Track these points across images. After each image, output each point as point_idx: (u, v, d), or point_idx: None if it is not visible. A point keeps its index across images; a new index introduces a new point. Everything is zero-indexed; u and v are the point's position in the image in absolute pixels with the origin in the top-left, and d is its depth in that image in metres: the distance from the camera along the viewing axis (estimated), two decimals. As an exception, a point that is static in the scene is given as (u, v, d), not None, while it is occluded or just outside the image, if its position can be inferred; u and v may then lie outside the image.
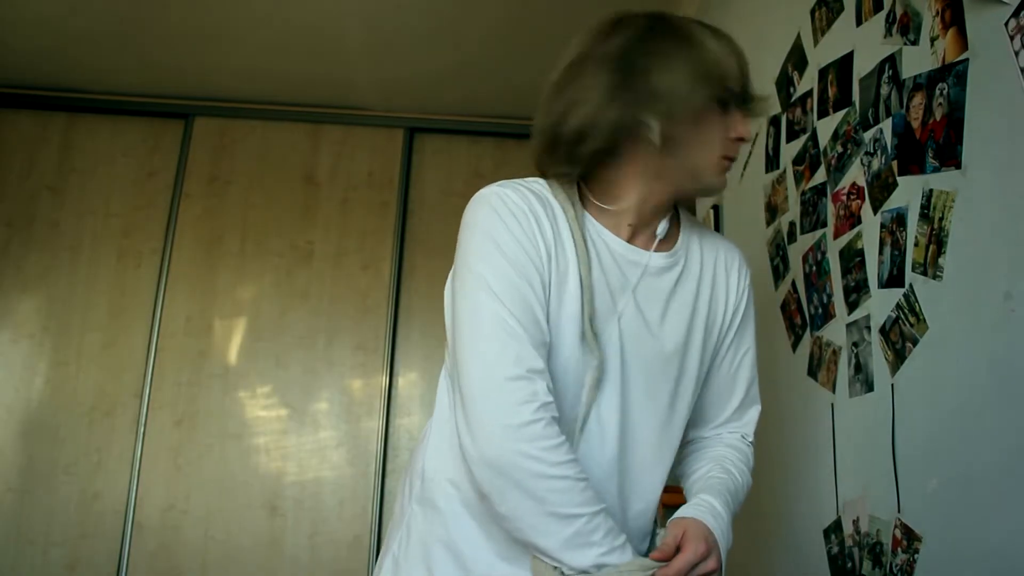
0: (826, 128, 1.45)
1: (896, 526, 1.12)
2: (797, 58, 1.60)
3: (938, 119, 1.06)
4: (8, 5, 2.64)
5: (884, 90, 1.22)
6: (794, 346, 1.55)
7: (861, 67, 1.32)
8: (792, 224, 1.59)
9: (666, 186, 0.95)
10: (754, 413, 1.08)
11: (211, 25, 2.75)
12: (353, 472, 2.97)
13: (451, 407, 0.97)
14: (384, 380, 3.05)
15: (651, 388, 0.95)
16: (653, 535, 1.01)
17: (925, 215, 1.09)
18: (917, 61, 1.13)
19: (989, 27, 0.95)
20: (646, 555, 0.85)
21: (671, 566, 0.83)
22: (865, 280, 1.26)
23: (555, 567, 0.82)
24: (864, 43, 1.31)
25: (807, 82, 1.55)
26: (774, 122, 1.72)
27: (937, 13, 1.08)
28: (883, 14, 1.24)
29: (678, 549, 0.85)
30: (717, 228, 2.13)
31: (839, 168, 1.38)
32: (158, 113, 3.26)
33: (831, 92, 1.43)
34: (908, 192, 1.14)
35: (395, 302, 3.13)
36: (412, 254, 3.21)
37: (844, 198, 1.36)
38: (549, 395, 0.83)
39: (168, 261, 3.10)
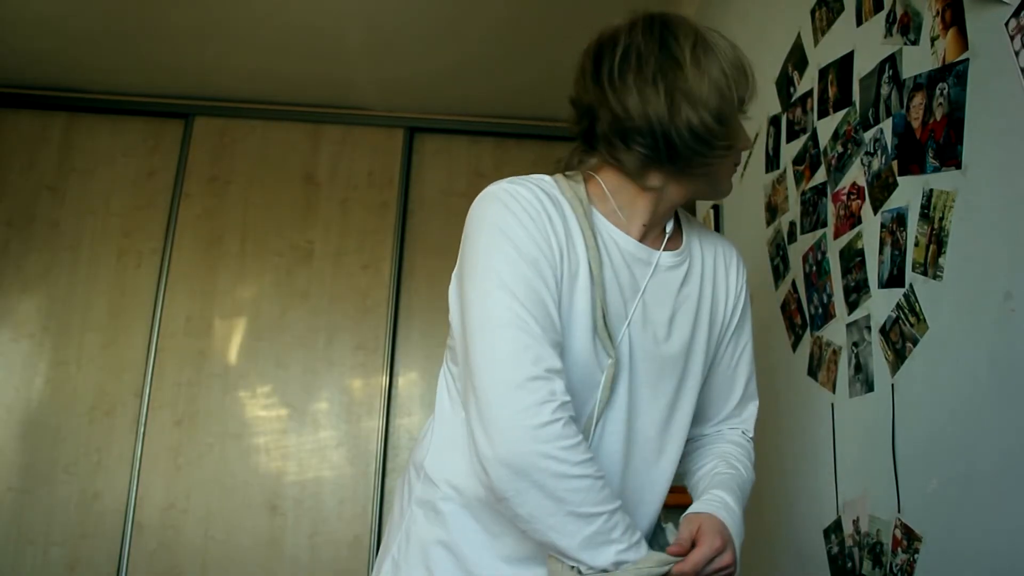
0: (826, 128, 1.45)
1: (896, 526, 1.12)
2: (797, 58, 1.60)
3: (938, 119, 1.06)
4: (8, 5, 2.64)
5: (884, 90, 1.22)
6: (794, 346, 1.55)
7: (861, 67, 1.32)
8: (792, 224, 1.59)
9: (685, 190, 0.96)
10: (753, 409, 1.09)
11: (211, 25, 2.75)
12: (353, 472, 2.97)
13: (452, 408, 0.96)
14: (384, 380, 3.05)
15: (657, 387, 0.96)
16: (656, 533, 1.01)
17: (925, 215, 1.09)
18: (917, 61, 1.13)
19: (989, 27, 0.95)
20: None
21: (688, 560, 0.83)
22: (865, 280, 1.26)
23: (572, 567, 0.81)
24: (864, 43, 1.31)
25: (807, 82, 1.55)
26: (774, 122, 1.72)
27: (937, 13, 1.08)
28: (883, 14, 1.24)
29: (694, 544, 0.85)
30: (717, 228, 2.13)
31: (839, 168, 1.38)
32: (158, 113, 3.26)
33: (831, 92, 1.43)
34: (908, 192, 1.14)
35: (395, 302, 3.13)
36: (412, 254, 3.21)
37: (844, 198, 1.36)
38: (567, 394, 0.83)
39: (168, 261, 3.10)
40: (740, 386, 1.07)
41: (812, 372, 1.46)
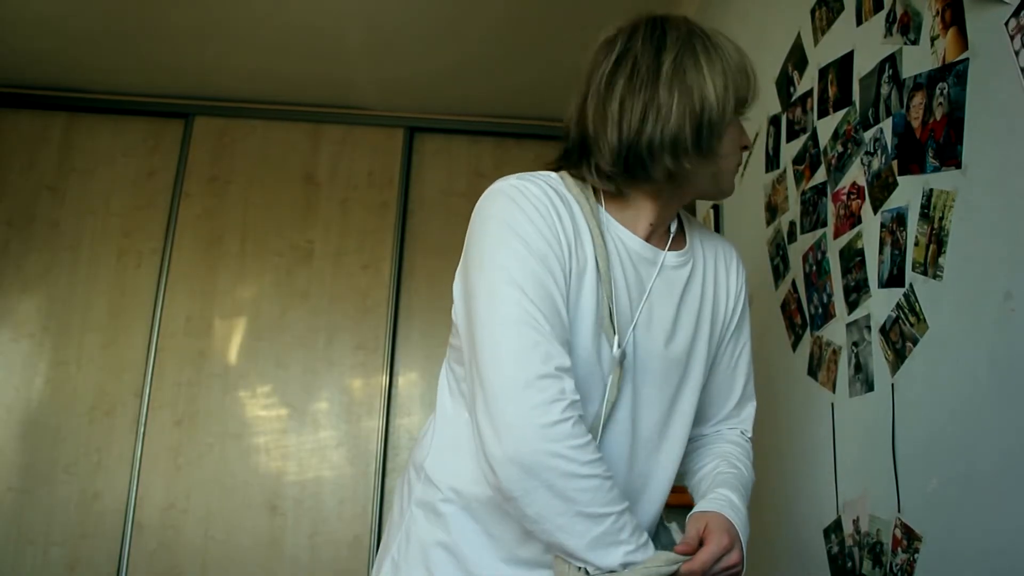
0: (826, 128, 1.45)
1: (896, 526, 1.12)
2: (797, 58, 1.60)
3: (938, 119, 1.06)
4: (8, 5, 2.64)
5: (884, 90, 1.22)
6: (794, 346, 1.55)
7: (861, 67, 1.32)
8: (792, 224, 1.59)
9: (691, 191, 0.96)
10: (751, 409, 1.10)
11: (211, 25, 2.75)
12: (353, 472, 2.97)
13: (454, 408, 0.96)
14: (384, 380, 3.05)
15: (661, 386, 0.95)
16: (659, 533, 1.01)
17: (925, 215, 1.09)
18: (917, 61, 1.13)
19: (989, 27, 0.95)
20: None
21: (696, 559, 0.83)
22: (865, 280, 1.26)
23: (579, 567, 0.81)
24: (864, 43, 1.31)
25: (807, 82, 1.55)
26: (774, 122, 1.72)
27: (937, 13, 1.08)
28: (883, 14, 1.24)
29: (701, 542, 0.85)
30: (717, 228, 2.13)
31: (839, 168, 1.38)
32: (158, 113, 3.26)
33: (831, 92, 1.43)
34: (908, 192, 1.14)
35: (395, 302, 3.13)
36: (412, 254, 3.21)
37: (844, 198, 1.36)
38: (575, 393, 0.82)
39: (168, 261, 3.10)
40: (739, 386, 1.07)
41: (812, 372, 1.46)
